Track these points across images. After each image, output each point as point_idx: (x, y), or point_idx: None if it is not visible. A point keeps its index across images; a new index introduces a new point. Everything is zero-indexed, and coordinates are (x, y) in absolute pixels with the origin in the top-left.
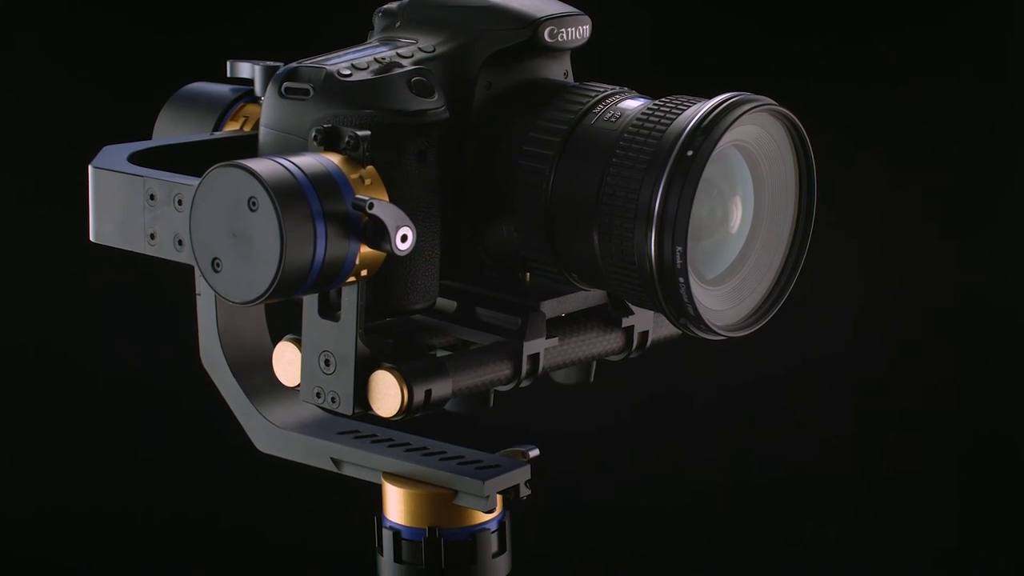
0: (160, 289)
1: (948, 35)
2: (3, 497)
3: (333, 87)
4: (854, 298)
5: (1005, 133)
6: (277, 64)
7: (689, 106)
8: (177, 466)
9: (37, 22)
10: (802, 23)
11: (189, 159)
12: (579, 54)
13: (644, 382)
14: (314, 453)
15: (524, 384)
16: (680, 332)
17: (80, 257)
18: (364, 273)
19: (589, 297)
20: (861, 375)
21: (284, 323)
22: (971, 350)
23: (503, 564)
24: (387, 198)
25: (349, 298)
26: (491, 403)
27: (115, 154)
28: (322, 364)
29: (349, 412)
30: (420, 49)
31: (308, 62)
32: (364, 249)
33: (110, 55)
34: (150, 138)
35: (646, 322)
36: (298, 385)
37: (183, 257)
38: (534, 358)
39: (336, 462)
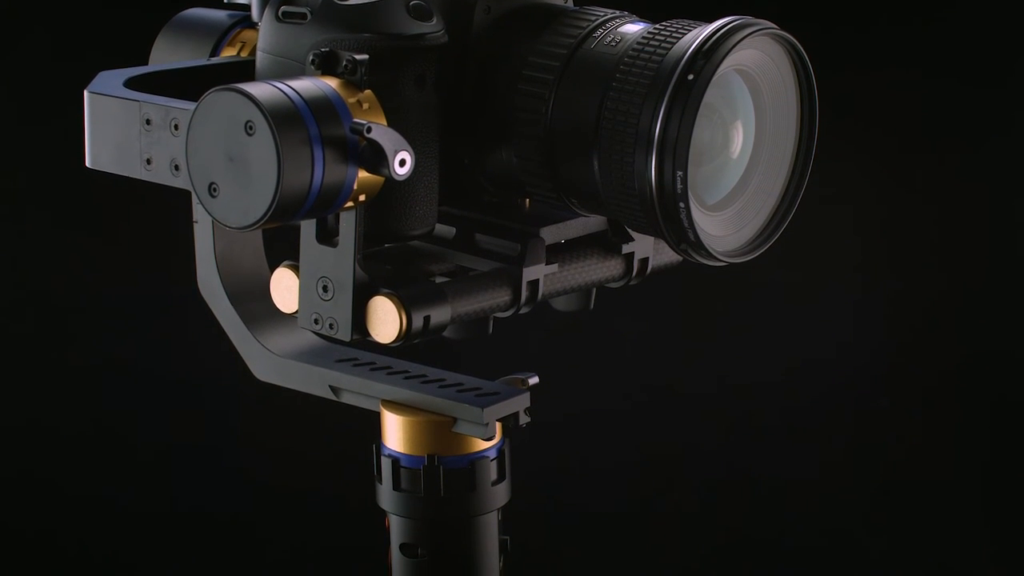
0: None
1: (956, 29)
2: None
3: (330, 11)
4: (853, 295)
5: (1007, 129)
6: None
7: (690, 30)
8: (174, 459)
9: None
10: (803, 10)
11: (186, 84)
12: None
13: (643, 379)
14: (312, 381)
15: (523, 311)
16: (680, 259)
17: (83, 250)
18: (362, 198)
19: (589, 223)
20: (861, 373)
21: (282, 250)
22: (972, 345)
23: (502, 492)
24: (385, 123)
25: (347, 223)
26: (490, 330)
27: (111, 79)
28: (320, 290)
29: (347, 338)
30: None
31: None
32: (362, 174)
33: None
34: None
35: (646, 249)
36: (296, 311)
37: (179, 182)
38: (533, 284)
39: (334, 390)
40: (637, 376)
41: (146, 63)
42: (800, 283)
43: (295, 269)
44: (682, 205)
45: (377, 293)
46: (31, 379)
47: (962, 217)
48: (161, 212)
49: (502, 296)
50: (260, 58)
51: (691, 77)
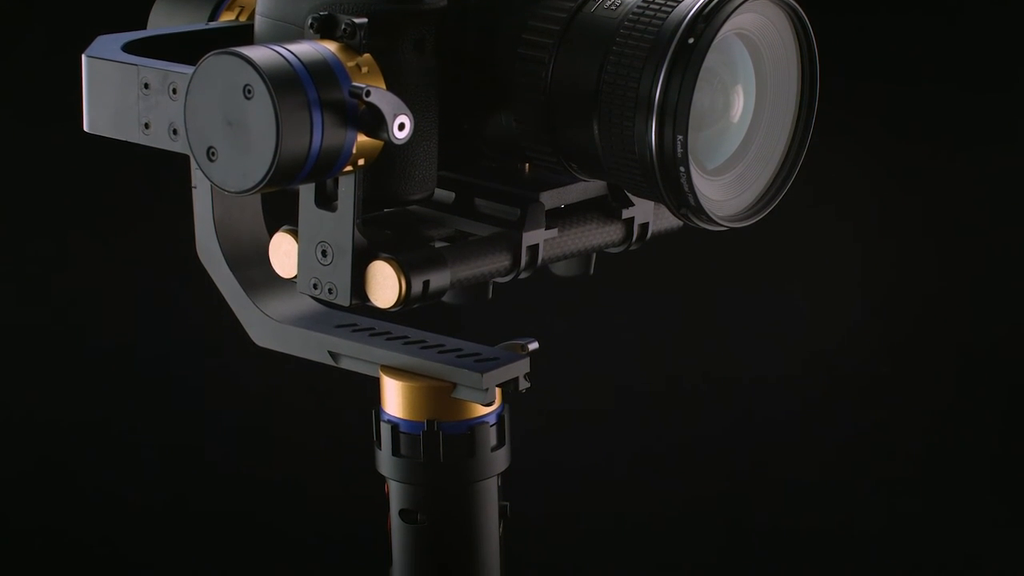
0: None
1: (959, 34)
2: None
3: None
4: (854, 293)
5: (1013, 130)
6: None
7: None
8: (175, 454)
9: None
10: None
11: (184, 49)
12: None
13: (638, 375)
14: (311, 346)
15: (523, 275)
16: (681, 224)
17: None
18: (361, 162)
19: (589, 188)
20: (862, 373)
21: (281, 215)
22: (972, 345)
23: (502, 458)
24: (384, 87)
25: (346, 188)
26: (490, 295)
27: (109, 43)
28: (319, 255)
29: (346, 303)
30: None
31: None
32: (361, 138)
33: None
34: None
35: (646, 214)
36: (295, 276)
37: (178, 146)
38: (533, 249)
39: (333, 355)
40: (633, 372)
41: (144, 28)
42: (801, 280)
43: (294, 234)
44: (682, 169)
45: (376, 257)
46: (31, 372)
47: (964, 216)
48: (165, 210)
49: (502, 261)
50: (259, 22)
51: (691, 41)
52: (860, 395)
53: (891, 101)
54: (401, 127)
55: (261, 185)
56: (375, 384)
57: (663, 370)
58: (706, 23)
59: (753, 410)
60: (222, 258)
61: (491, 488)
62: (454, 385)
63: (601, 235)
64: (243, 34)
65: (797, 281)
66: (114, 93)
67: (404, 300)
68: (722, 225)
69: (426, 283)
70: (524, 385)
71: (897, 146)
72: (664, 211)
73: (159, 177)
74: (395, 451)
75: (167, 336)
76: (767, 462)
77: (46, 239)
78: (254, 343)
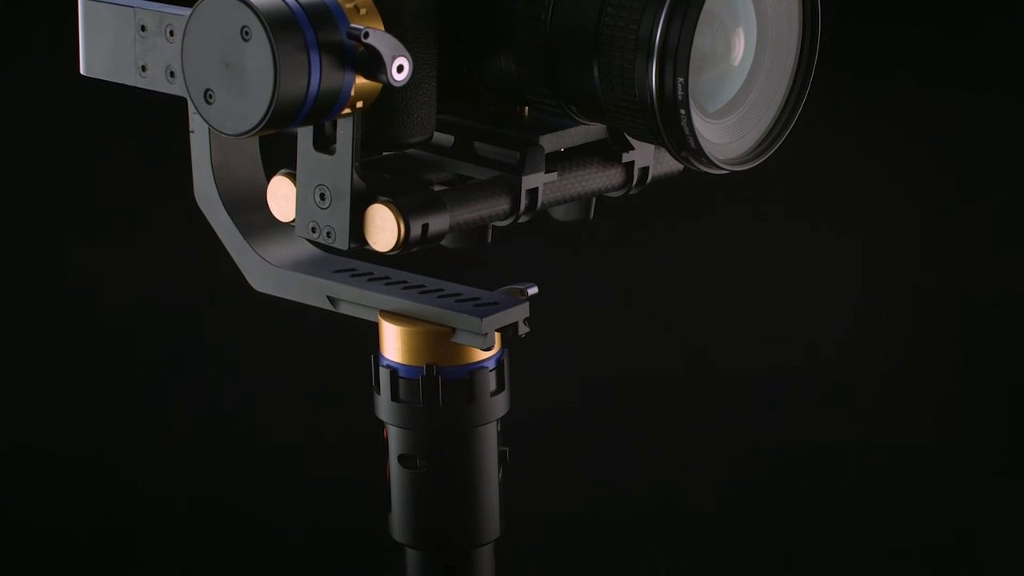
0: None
1: (960, 33)
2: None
3: None
4: (856, 291)
5: (1010, 132)
6: None
7: None
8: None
9: None
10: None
11: None
12: None
13: (638, 371)
14: (310, 291)
15: (523, 219)
16: (681, 168)
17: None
18: (360, 105)
19: (589, 131)
20: (861, 370)
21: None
22: (972, 344)
23: (501, 403)
24: (383, 28)
25: (344, 131)
26: (489, 239)
27: None
28: (317, 198)
29: (345, 246)
30: None
31: None
32: (359, 80)
33: None
34: None
35: (647, 158)
36: (293, 220)
37: (175, 89)
38: (532, 193)
39: (332, 300)
40: (633, 367)
41: None
42: (801, 279)
43: (292, 177)
44: (683, 112)
45: (375, 201)
46: (36, 361)
47: (962, 220)
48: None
49: (501, 204)
50: None
51: None
52: (860, 393)
53: (892, 101)
54: (400, 69)
55: (259, 128)
56: (374, 329)
57: (659, 365)
58: None
59: (753, 405)
60: (220, 203)
61: (490, 433)
62: (453, 330)
63: (601, 179)
64: None
65: (797, 279)
66: (110, 35)
67: (403, 244)
68: (723, 168)
69: (425, 226)
70: (523, 330)
71: (897, 146)
72: (665, 155)
73: (158, 170)
74: (394, 396)
75: (168, 326)
76: (766, 457)
77: (47, 235)
78: (253, 289)
